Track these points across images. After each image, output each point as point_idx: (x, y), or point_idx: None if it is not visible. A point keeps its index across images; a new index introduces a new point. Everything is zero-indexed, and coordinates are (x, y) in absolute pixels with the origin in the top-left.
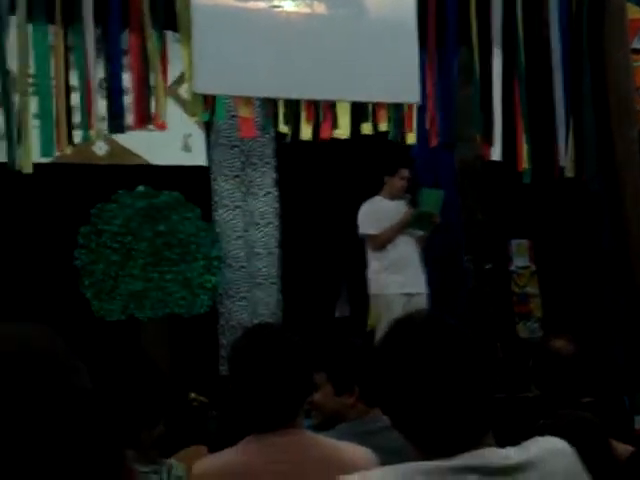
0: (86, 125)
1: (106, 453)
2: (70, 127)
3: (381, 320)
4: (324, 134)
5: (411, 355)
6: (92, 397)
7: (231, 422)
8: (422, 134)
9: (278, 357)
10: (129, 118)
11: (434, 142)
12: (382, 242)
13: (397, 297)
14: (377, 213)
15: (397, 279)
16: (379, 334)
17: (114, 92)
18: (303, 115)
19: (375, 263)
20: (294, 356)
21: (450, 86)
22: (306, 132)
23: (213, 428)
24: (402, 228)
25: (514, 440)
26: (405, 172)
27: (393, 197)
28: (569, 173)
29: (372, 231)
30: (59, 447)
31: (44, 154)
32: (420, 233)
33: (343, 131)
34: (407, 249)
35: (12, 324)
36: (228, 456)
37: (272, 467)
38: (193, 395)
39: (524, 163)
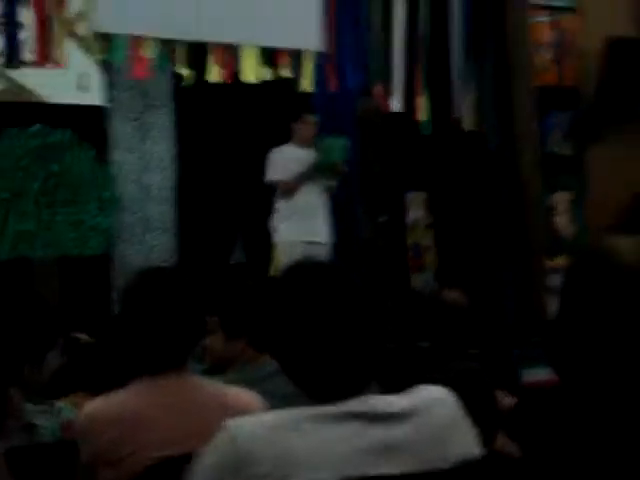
0: None
1: None
2: None
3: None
4: (228, 77)
5: (298, 300)
6: None
7: (117, 365)
8: (323, 82)
9: (170, 299)
10: (26, 54)
11: (334, 87)
12: (288, 189)
13: (298, 245)
14: (285, 160)
15: (300, 227)
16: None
17: (11, 27)
18: (210, 58)
19: (280, 210)
20: (186, 299)
21: (360, 34)
22: (213, 74)
23: (98, 370)
24: (305, 177)
25: (403, 390)
26: (309, 118)
27: (302, 144)
28: (468, 126)
29: (279, 177)
30: None
31: None
32: (327, 182)
33: (249, 75)
34: (311, 197)
35: None
36: (117, 399)
37: (160, 410)
38: (77, 335)
39: (422, 114)
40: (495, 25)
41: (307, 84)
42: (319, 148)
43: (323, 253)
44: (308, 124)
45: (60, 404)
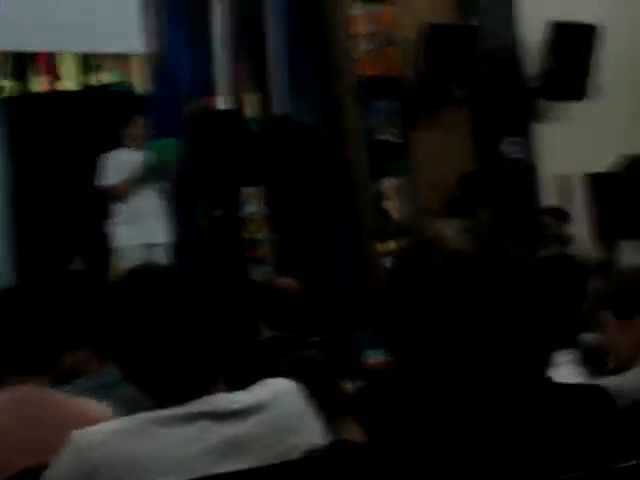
0: None
1: None
2: None
3: (121, 272)
4: (49, 86)
5: (136, 306)
6: None
7: None
8: (153, 84)
9: (28, 310)
10: None
11: (162, 91)
12: (118, 194)
13: (135, 248)
14: (116, 165)
15: (135, 230)
16: None
17: None
18: (32, 67)
19: (115, 215)
20: (45, 310)
21: (185, 35)
22: (36, 84)
23: None
24: (136, 180)
25: (249, 384)
26: (138, 119)
27: (133, 146)
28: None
29: (108, 182)
30: None
31: None
32: (160, 183)
33: (70, 82)
34: (145, 200)
35: None
36: None
37: (10, 421)
38: None
39: (249, 110)
40: (313, 21)
41: (136, 87)
42: (149, 149)
43: (162, 254)
44: (136, 125)
45: None
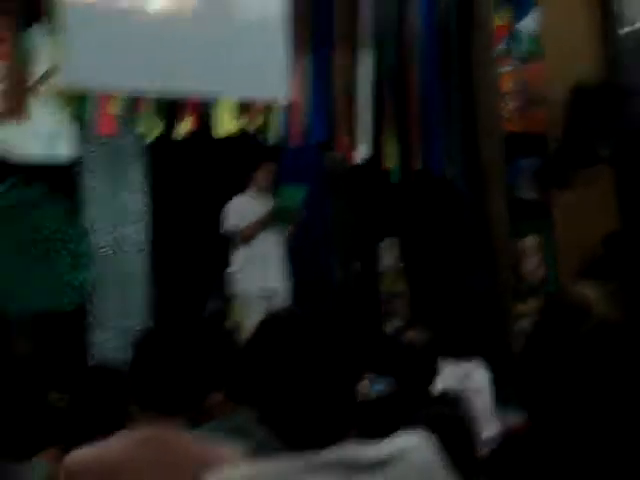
0: None
1: None
2: None
3: (241, 317)
4: (193, 130)
5: (276, 351)
6: None
7: (90, 420)
8: (289, 133)
9: (176, 351)
10: None
11: (299, 141)
12: (244, 238)
13: (256, 294)
14: (242, 209)
15: (256, 276)
16: (243, 332)
17: None
18: (179, 112)
19: (236, 260)
20: (192, 353)
21: (327, 86)
22: (181, 128)
23: (68, 425)
24: (262, 224)
25: (377, 436)
26: (269, 166)
27: (260, 192)
28: (436, 172)
29: (234, 227)
30: None
31: None
32: (283, 229)
33: (219, 128)
34: (268, 245)
35: None
36: (99, 449)
37: (141, 463)
38: (55, 394)
39: (390, 162)
40: (462, 73)
41: (273, 136)
42: (278, 195)
43: (283, 300)
44: (265, 171)
45: (34, 461)
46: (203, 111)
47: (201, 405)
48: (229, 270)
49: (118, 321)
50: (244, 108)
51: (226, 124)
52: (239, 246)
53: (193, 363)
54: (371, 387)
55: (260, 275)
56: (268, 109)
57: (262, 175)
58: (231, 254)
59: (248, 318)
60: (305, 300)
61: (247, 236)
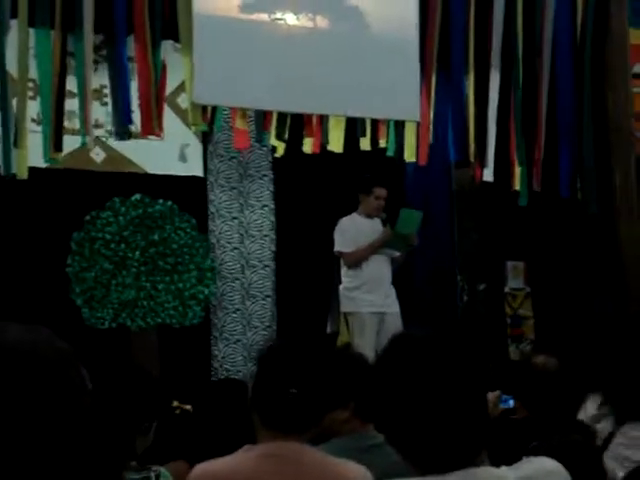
0: (83, 131)
1: (108, 458)
2: (61, 133)
3: (353, 338)
4: (315, 148)
5: (409, 371)
6: (94, 401)
7: (215, 433)
8: (418, 153)
9: (298, 367)
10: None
11: (426, 160)
12: (356, 260)
13: (370, 315)
14: (352, 231)
15: (369, 298)
16: (354, 350)
17: (121, 99)
18: (306, 128)
19: (348, 280)
20: (318, 371)
21: (461, 105)
22: (307, 145)
23: (197, 438)
24: (378, 247)
25: (506, 462)
26: (380, 191)
27: (369, 215)
28: (566, 193)
29: (346, 248)
30: (62, 449)
31: (47, 160)
32: (395, 253)
33: (335, 146)
34: (380, 268)
35: (17, 324)
36: (224, 464)
37: (267, 477)
38: (176, 403)
39: (517, 184)
40: (595, 92)
41: (410, 155)
42: (398, 219)
43: (397, 322)
44: (377, 197)
45: (159, 468)
46: (325, 128)
47: (320, 422)
48: (340, 288)
49: (242, 335)
50: (374, 127)
51: (363, 142)
52: (349, 267)
53: (314, 380)
54: (500, 400)
55: (371, 298)
56: (396, 128)
57: (373, 200)
58: (342, 273)
59: (360, 338)
60: (421, 322)
61: (359, 258)
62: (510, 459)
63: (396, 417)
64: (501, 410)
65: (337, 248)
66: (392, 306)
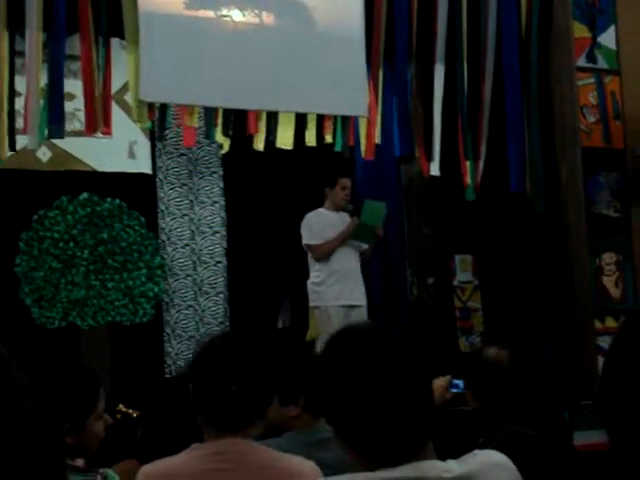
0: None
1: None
2: (13, 132)
3: (320, 332)
4: (257, 145)
5: (353, 364)
6: (31, 398)
7: (162, 433)
8: (365, 147)
9: (240, 363)
10: (75, 124)
11: (372, 155)
12: (324, 252)
13: (336, 309)
14: (320, 224)
15: (336, 291)
16: (319, 345)
17: (55, 97)
18: (254, 125)
19: (315, 275)
20: (254, 363)
21: (405, 99)
22: (257, 142)
23: (146, 439)
24: (344, 239)
25: (454, 454)
26: (345, 182)
27: (336, 208)
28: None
29: (314, 241)
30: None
31: None
32: (363, 245)
33: (285, 142)
34: (348, 261)
35: None
36: (170, 462)
37: (212, 475)
38: (121, 407)
39: (468, 179)
40: (541, 86)
41: (362, 150)
42: (363, 210)
43: (362, 316)
44: (343, 187)
45: (106, 471)
46: (275, 124)
47: (264, 417)
48: (308, 283)
49: (195, 331)
50: (320, 121)
51: (308, 137)
52: (318, 260)
53: (254, 375)
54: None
55: (338, 291)
56: (346, 123)
57: (339, 191)
58: (310, 267)
59: (326, 332)
60: (381, 315)
61: (326, 250)
62: (461, 451)
63: (343, 409)
64: (452, 395)
65: (305, 241)
66: (359, 299)
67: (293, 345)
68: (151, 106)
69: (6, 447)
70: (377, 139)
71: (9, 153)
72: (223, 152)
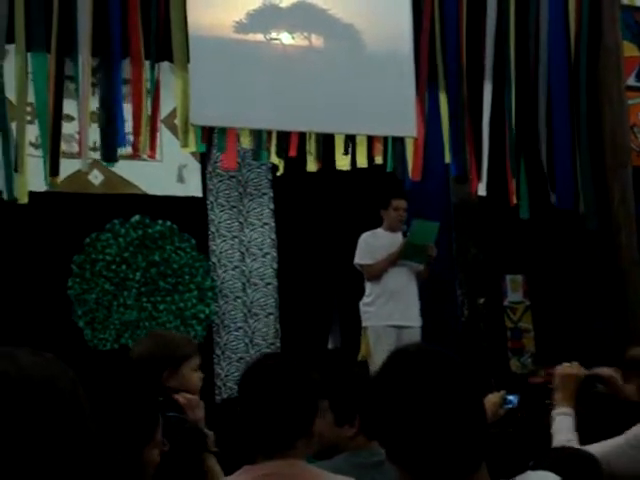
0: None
1: None
2: (57, 157)
3: (372, 351)
4: (310, 167)
5: (405, 385)
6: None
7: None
8: (413, 168)
9: (281, 383)
10: (124, 148)
11: (418, 176)
12: (376, 272)
13: (387, 329)
14: (373, 244)
15: (387, 311)
16: (371, 366)
17: (113, 121)
18: (307, 147)
19: (367, 294)
20: (296, 383)
21: (458, 120)
22: (309, 164)
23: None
24: (395, 259)
25: (506, 476)
26: (399, 203)
27: (392, 229)
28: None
29: (365, 261)
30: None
31: (47, 184)
32: (418, 266)
33: (342, 164)
34: (401, 281)
35: (23, 349)
36: None
37: None
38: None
39: (517, 198)
40: (590, 105)
41: (411, 171)
42: (411, 230)
43: (415, 337)
44: (396, 208)
45: None
46: (327, 147)
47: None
48: (360, 303)
49: (245, 353)
50: (370, 143)
51: (359, 158)
52: (370, 280)
53: (297, 393)
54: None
55: (390, 311)
56: (397, 144)
57: (393, 212)
58: (364, 287)
59: (378, 352)
60: (435, 338)
61: (378, 270)
62: (512, 473)
63: (394, 431)
64: (506, 411)
65: (356, 260)
66: (412, 320)
67: (347, 365)
68: (203, 129)
69: (70, 469)
70: (448, 159)
71: (58, 177)
72: (279, 174)
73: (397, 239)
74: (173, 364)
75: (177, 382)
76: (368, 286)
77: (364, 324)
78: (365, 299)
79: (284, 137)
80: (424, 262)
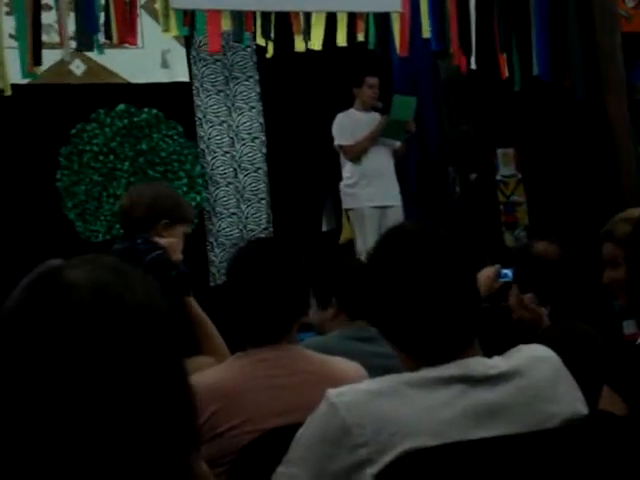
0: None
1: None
2: (39, 46)
3: (357, 233)
4: (298, 46)
5: (402, 263)
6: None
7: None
8: (399, 44)
9: (276, 270)
10: (102, 36)
11: (406, 52)
12: (356, 152)
13: (371, 210)
14: (350, 124)
15: (370, 192)
16: (358, 247)
17: (87, 9)
18: (292, 27)
19: (348, 176)
20: (290, 270)
21: None
22: (296, 44)
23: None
24: (374, 136)
25: (499, 350)
26: (372, 80)
27: (365, 108)
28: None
29: (345, 142)
30: None
31: (25, 75)
32: (396, 143)
33: (315, 44)
34: (381, 160)
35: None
36: (217, 373)
37: (261, 383)
38: None
39: (506, 71)
40: None
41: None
42: (392, 106)
43: (398, 216)
44: (370, 86)
45: None
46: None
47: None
48: (341, 185)
49: (239, 239)
50: (352, 20)
51: (339, 36)
52: (350, 161)
53: (291, 277)
54: (500, 274)
55: (372, 191)
56: (377, 20)
57: (367, 90)
58: (342, 169)
59: (361, 234)
60: (420, 214)
61: (358, 150)
62: (506, 347)
63: (391, 307)
64: (501, 284)
65: (336, 142)
66: (394, 199)
67: (333, 249)
68: (185, 13)
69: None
70: (427, 34)
71: (40, 67)
72: (268, 56)
73: (372, 118)
74: (172, 218)
75: (168, 235)
76: (348, 168)
77: (346, 206)
78: (346, 181)
79: (268, 18)
80: (403, 139)
